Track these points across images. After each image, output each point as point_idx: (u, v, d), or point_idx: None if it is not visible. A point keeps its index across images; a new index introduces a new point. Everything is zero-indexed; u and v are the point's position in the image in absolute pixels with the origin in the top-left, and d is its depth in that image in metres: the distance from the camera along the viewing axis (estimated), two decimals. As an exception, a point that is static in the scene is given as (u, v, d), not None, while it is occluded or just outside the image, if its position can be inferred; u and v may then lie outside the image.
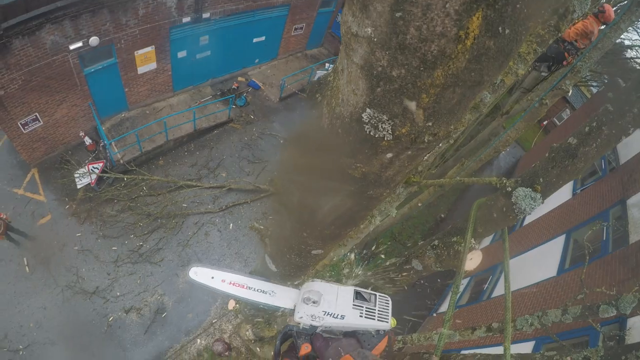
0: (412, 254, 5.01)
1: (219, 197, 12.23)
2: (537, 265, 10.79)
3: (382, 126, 1.00)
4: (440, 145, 3.40)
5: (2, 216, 10.70)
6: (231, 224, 11.73)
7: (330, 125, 1.18)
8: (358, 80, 0.99)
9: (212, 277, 3.26)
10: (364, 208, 1.59)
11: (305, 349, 2.23)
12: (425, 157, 3.55)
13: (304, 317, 2.32)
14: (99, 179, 12.40)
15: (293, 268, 2.41)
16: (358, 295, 2.37)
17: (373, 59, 0.96)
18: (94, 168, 12.14)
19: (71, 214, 12.12)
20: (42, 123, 12.20)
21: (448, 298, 12.32)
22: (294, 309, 2.53)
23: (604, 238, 9.57)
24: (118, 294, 11.08)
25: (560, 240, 10.79)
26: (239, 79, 14.75)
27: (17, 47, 10.15)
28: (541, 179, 2.99)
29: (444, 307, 12.34)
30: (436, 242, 4.39)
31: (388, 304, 2.36)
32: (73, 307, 10.72)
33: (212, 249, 11.53)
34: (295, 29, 14.73)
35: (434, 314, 12.58)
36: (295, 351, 2.36)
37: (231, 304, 8.32)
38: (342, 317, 2.26)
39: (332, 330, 2.30)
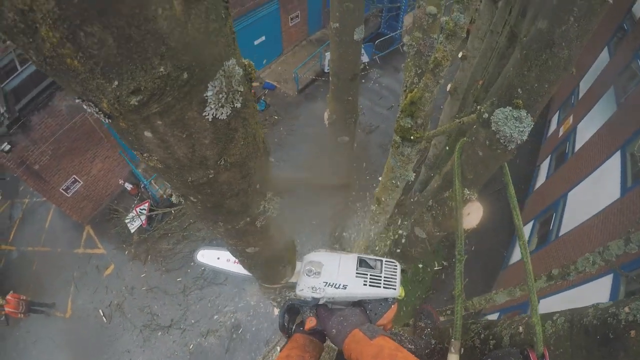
0: (414, 222, 4.20)
1: (263, 208, 12.32)
2: (598, 192, 10.23)
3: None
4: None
5: (22, 297, 11.44)
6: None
7: None
8: None
9: (218, 258, 3.26)
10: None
11: (310, 322, 2.03)
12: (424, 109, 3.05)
13: (305, 289, 2.13)
14: (149, 219, 12.92)
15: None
16: (362, 263, 2.20)
17: None
18: (142, 210, 12.65)
19: (132, 258, 12.65)
20: (82, 183, 12.88)
21: (517, 246, 11.93)
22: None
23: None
24: (193, 321, 11.38)
25: (616, 158, 10.18)
26: (253, 84, 14.65)
27: (36, 122, 10.73)
28: (519, 90, 2.08)
29: (515, 257, 11.86)
30: (431, 203, 3.57)
31: (396, 270, 2.18)
32: (154, 344, 11.11)
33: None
34: (292, 19, 14.20)
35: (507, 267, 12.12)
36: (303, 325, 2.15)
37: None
38: (344, 287, 2.09)
39: (337, 300, 2.12)
